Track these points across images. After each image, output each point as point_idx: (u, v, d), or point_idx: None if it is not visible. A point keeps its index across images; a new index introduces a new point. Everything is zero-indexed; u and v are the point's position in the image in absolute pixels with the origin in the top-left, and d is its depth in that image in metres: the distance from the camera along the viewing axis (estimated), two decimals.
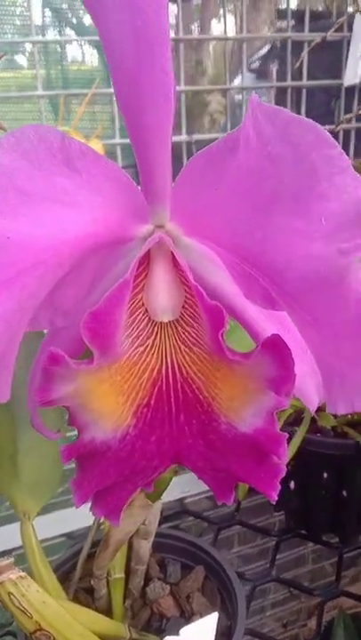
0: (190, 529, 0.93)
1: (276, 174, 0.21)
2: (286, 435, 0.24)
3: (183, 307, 0.27)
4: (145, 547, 0.54)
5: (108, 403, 0.26)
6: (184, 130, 0.86)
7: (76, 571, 0.53)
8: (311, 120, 0.20)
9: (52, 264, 0.23)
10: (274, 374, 0.23)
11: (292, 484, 0.76)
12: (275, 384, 0.23)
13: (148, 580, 0.56)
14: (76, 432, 0.26)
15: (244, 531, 0.93)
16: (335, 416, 0.73)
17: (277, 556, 0.98)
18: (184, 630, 0.43)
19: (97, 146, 0.79)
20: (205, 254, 0.27)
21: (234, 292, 0.26)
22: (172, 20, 0.86)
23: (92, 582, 0.52)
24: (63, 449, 0.25)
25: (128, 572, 0.54)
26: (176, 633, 0.42)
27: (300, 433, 0.69)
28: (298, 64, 0.85)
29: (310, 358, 0.24)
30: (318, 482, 0.74)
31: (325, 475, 0.73)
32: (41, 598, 0.39)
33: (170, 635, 0.42)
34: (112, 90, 0.64)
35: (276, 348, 0.22)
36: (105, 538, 0.48)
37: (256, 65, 1.49)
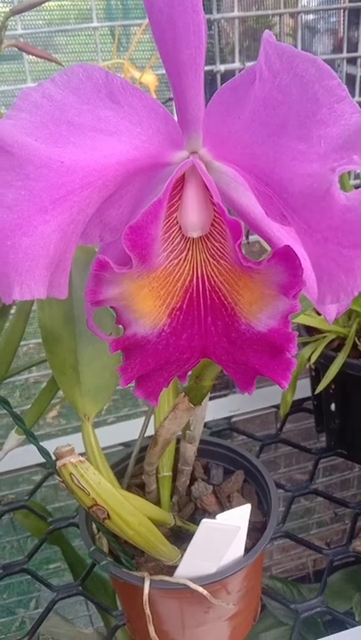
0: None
1: (284, 103, 0.24)
2: (296, 333, 0.29)
3: (212, 224, 0.31)
4: (190, 450, 0.60)
5: (148, 305, 0.30)
6: (237, 58, 0.86)
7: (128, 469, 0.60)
8: (312, 54, 0.23)
9: (98, 185, 0.27)
10: (285, 280, 0.27)
11: (332, 406, 0.80)
12: (285, 289, 0.27)
13: (193, 480, 0.63)
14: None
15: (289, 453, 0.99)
16: None
17: (323, 479, 1.04)
18: (220, 515, 0.50)
19: (150, 76, 0.81)
20: (234, 177, 0.30)
21: (258, 211, 0.30)
22: None
23: (143, 478, 0.59)
24: (111, 341, 0.31)
25: (175, 472, 0.61)
26: None
27: (341, 357, 0.73)
28: None
29: None
30: (358, 405, 0.77)
31: None
32: (97, 479, 0.45)
33: None
34: None
35: (285, 257, 0.26)
36: (154, 437, 0.54)
37: None
